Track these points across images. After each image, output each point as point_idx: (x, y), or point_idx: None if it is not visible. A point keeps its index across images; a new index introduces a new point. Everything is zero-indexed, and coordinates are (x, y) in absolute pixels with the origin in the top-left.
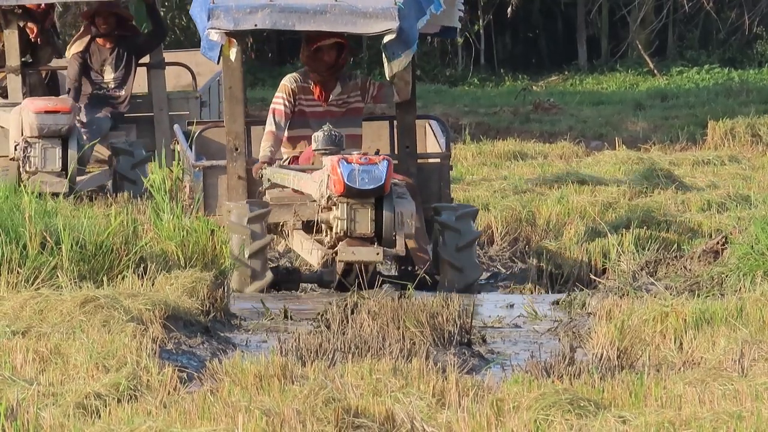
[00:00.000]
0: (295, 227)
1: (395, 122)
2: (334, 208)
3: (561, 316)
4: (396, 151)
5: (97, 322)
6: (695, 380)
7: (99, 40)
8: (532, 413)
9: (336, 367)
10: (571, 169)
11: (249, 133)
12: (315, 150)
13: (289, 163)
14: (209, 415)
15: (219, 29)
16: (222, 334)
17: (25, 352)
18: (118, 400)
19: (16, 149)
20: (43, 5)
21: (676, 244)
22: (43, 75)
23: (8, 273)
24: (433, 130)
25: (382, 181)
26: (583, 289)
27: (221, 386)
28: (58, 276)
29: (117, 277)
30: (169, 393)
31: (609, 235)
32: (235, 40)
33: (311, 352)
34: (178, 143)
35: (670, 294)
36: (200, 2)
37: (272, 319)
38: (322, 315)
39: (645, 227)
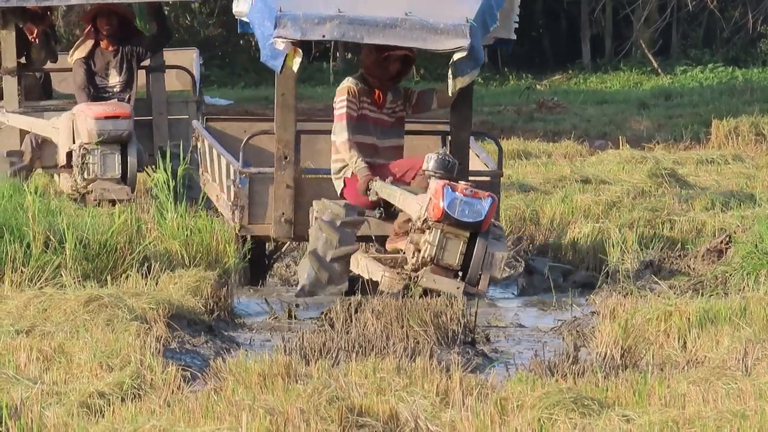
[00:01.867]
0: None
1: (448, 138)
2: (427, 231)
3: (565, 315)
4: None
5: (101, 321)
6: (699, 379)
7: (102, 44)
8: (536, 412)
9: (340, 366)
10: (575, 168)
11: (298, 141)
12: (425, 170)
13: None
14: (213, 413)
15: (285, 38)
16: (226, 333)
17: (28, 351)
18: (122, 399)
19: (69, 156)
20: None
21: (679, 243)
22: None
23: (12, 272)
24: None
25: (482, 218)
26: (587, 288)
27: (225, 385)
28: (61, 275)
29: (121, 276)
30: (172, 392)
31: (613, 234)
32: (300, 50)
33: (315, 351)
34: (198, 140)
35: (674, 293)
36: (262, 8)
37: (276, 317)
38: (326, 314)
39: (649, 226)
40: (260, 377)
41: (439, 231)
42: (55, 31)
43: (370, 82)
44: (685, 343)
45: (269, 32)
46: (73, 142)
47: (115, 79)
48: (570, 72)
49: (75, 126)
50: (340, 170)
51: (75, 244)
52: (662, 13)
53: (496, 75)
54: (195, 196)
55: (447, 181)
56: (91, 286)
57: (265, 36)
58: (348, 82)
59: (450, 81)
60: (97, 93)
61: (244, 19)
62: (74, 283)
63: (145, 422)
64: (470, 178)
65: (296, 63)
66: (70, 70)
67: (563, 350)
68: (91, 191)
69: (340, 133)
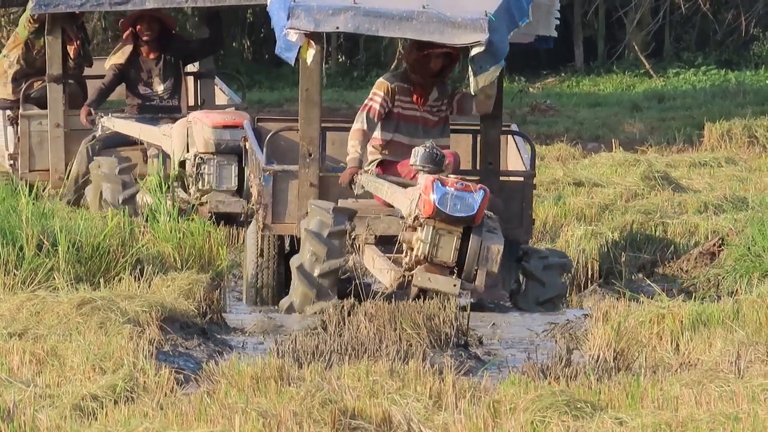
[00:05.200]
0: (367, 242)
1: (479, 136)
2: (419, 229)
3: (558, 317)
4: (478, 167)
5: (94, 324)
6: (692, 382)
7: (143, 51)
8: (528, 415)
9: (333, 369)
10: (567, 171)
11: (324, 138)
12: (412, 165)
13: (377, 167)
14: (206, 416)
15: (298, 30)
16: (218, 336)
17: (21, 354)
18: (115, 402)
19: (182, 165)
20: (77, 12)
21: (672, 246)
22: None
23: (5, 275)
24: (516, 146)
25: (474, 211)
26: (580, 291)
27: (218, 388)
28: (54, 278)
29: (114, 279)
30: (165, 395)
31: (606, 236)
32: (313, 42)
33: (308, 354)
34: (246, 140)
35: (667, 296)
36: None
37: (268, 315)
38: (319, 317)
39: (642, 229)
40: (253, 380)
41: (431, 228)
42: (87, 35)
43: (413, 80)
44: (677, 345)
45: (284, 23)
46: (187, 151)
47: (159, 87)
48: (563, 75)
49: (190, 134)
50: (369, 163)
51: (68, 246)
52: (655, 15)
53: None
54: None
55: (436, 176)
56: (84, 288)
57: (279, 27)
58: (385, 79)
59: (471, 78)
60: (143, 101)
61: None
62: (67, 285)
63: (138, 425)
64: (501, 178)
65: (310, 56)
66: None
67: (556, 353)
68: (205, 203)
69: (355, 122)
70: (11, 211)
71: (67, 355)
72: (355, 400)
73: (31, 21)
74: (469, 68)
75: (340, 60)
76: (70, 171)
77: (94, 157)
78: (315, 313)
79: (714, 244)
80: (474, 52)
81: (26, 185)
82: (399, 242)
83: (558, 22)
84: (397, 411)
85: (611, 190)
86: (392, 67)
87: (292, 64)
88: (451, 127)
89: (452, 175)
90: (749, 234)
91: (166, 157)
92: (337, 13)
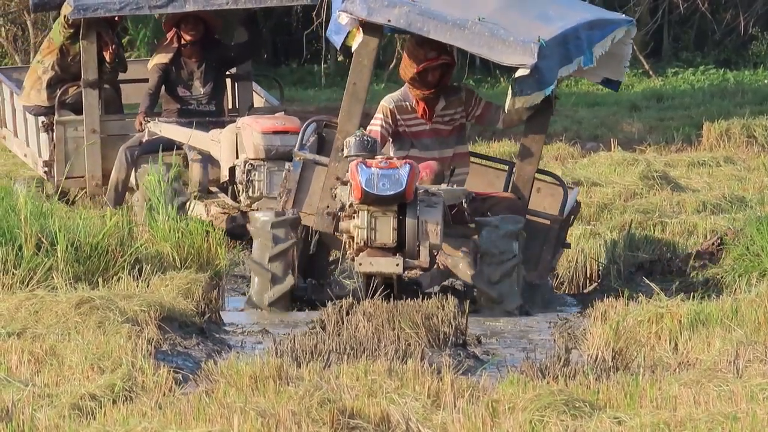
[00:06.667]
0: None
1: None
2: (355, 216)
3: (556, 317)
4: None
5: (93, 324)
6: (690, 381)
7: (185, 52)
8: (527, 414)
9: (331, 369)
10: (566, 171)
11: None
12: (347, 156)
13: None
14: (204, 416)
15: (350, 14)
16: (217, 336)
17: (20, 353)
18: (114, 401)
19: (232, 172)
20: (118, 17)
21: (671, 246)
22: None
23: (3, 274)
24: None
25: (403, 187)
26: (579, 291)
27: (216, 387)
28: (53, 277)
29: (112, 279)
30: (164, 394)
31: (604, 236)
32: (362, 30)
33: (306, 354)
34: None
35: (666, 295)
36: None
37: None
38: (318, 316)
39: (640, 228)
40: (251, 379)
41: (365, 212)
42: (122, 40)
43: (414, 96)
44: (676, 345)
45: (338, 5)
46: (237, 157)
47: (199, 90)
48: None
49: (240, 140)
50: None
51: (66, 246)
52: (653, 15)
53: (488, 77)
54: None
55: (360, 159)
56: (83, 288)
57: (335, 9)
58: (385, 102)
59: (509, 98)
60: (181, 104)
61: None
62: (66, 285)
63: (136, 424)
64: (528, 217)
65: (356, 43)
66: (142, 80)
67: (555, 352)
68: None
69: None
70: (10, 210)
71: (65, 355)
72: (353, 400)
73: (66, 26)
74: (510, 87)
75: (339, 60)
76: (108, 177)
77: (142, 165)
78: (275, 300)
79: (713, 244)
80: (518, 74)
81: (57, 192)
82: (342, 234)
83: (627, 70)
84: (396, 410)
85: (610, 190)
86: (390, 67)
87: (338, 49)
88: (489, 158)
89: (378, 156)
90: (748, 233)
91: (208, 162)
92: (393, 5)
